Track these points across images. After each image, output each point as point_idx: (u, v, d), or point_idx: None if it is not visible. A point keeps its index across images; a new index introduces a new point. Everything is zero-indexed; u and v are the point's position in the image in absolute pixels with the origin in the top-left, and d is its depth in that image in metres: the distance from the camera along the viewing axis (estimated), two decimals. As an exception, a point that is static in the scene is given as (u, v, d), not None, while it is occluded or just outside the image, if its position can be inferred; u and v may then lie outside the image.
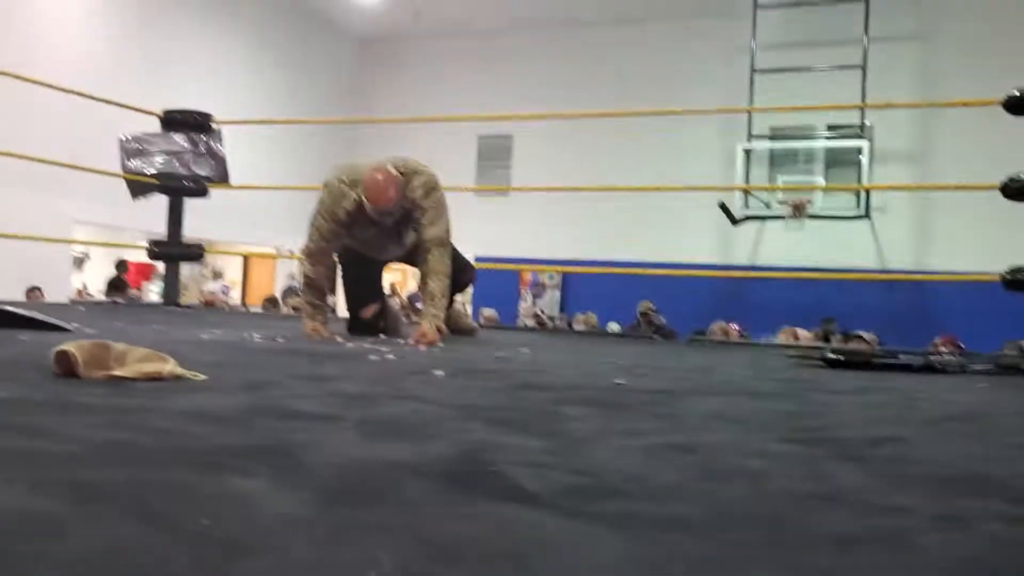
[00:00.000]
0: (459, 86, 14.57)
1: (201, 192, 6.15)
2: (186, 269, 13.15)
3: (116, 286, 11.98)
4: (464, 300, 9.06)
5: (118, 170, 6.03)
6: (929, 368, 3.31)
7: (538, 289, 14.41)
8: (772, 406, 2.01)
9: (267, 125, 12.62)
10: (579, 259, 12.74)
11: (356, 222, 3.74)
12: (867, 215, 11.73)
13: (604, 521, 0.84)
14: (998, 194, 4.60)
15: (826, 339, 8.97)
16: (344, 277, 4.15)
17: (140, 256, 11.26)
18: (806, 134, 12.58)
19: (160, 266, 9.04)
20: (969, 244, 11.24)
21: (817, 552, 0.78)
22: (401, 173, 3.68)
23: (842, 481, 1.11)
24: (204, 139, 6.17)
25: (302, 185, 9.97)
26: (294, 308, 8.95)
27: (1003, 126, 6.35)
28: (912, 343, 6.38)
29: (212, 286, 14.46)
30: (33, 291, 9.19)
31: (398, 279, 15.02)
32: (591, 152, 13.54)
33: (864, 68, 11.64)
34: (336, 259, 4.07)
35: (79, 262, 14.27)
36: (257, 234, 13.16)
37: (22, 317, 3.07)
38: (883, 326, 9.28)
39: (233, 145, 6.56)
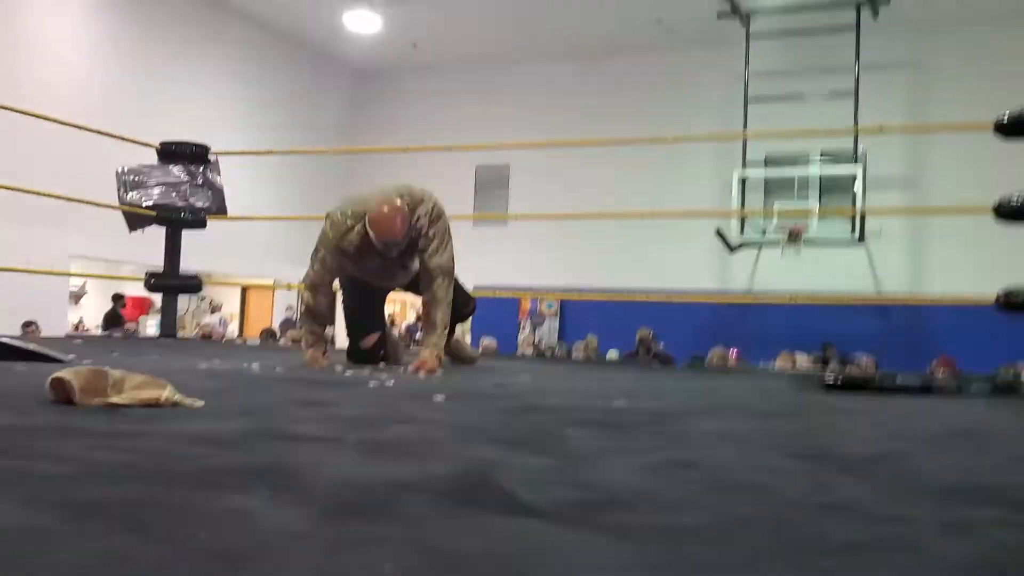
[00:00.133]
0: (457, 117, 14.63)
1: (199, 224, 6.14)
2: (184, 302, 13.14)
3: (113, 320, 11.96)
4: (463, 330, 9.05)
5: (115, 203, 6.03)
6: (926, 390, 3.31)
7: (537, 319, 14.40)
8: (774, 425, 2.00)
9: (265, 156, 12.66)
10: (577, 287, 12.74)
11: (361, 253, 3.70)
12: (862, 241, 11.75)
13: (610, 531, 0.83)
14: (991, 216, 4.61)
15: (824, 364, 8.97)
16: (345, 306, 4.11)
17: (137, 290, 11.26)
18: (801, 160, 12.63)
19: (157, 299, 9.02)
20: (964, 267, 11.24)
21: (827, 557, 0.77)
22: (406, 203, 3.64)
23: (847, 493, 1.10)
24: (201, 170, 6.17)
25: (300, 215, 9.98)
26: (292, 340, 8.94)
27: (995, 150, 6.38)
28: (909, 366, 6.37)
29: (210, 319, 14.44)
30: (29, 325, 9.16)
31: (396, 310, 15.00)
32: (588, 181, 13.57)
33: (856, 95, 11.71)
34: (338, 286, 4.05)
35: (76, 297, 14.25)
36: (255, 266, 13.16)
37: (19, 349, 3.06)
38: (880, 350, 9.27)
39: (231, 176, 6.57)
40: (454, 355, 4.18)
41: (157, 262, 6.19)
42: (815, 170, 12.47)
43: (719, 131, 12.54)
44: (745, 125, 12.06)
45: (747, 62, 12.37)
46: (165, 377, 1.96)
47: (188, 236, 6.17)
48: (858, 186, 11.47)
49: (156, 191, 5.97)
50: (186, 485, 0.99)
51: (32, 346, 3.14)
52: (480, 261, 12.05)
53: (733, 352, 8.85)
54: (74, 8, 11.21)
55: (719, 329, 11.71)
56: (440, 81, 15.30)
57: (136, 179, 5.99)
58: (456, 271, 3.85)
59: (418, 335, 10.81)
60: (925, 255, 12.40)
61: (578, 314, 13.83)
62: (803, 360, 8.63)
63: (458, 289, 3.89)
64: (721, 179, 12.55)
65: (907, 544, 0.83)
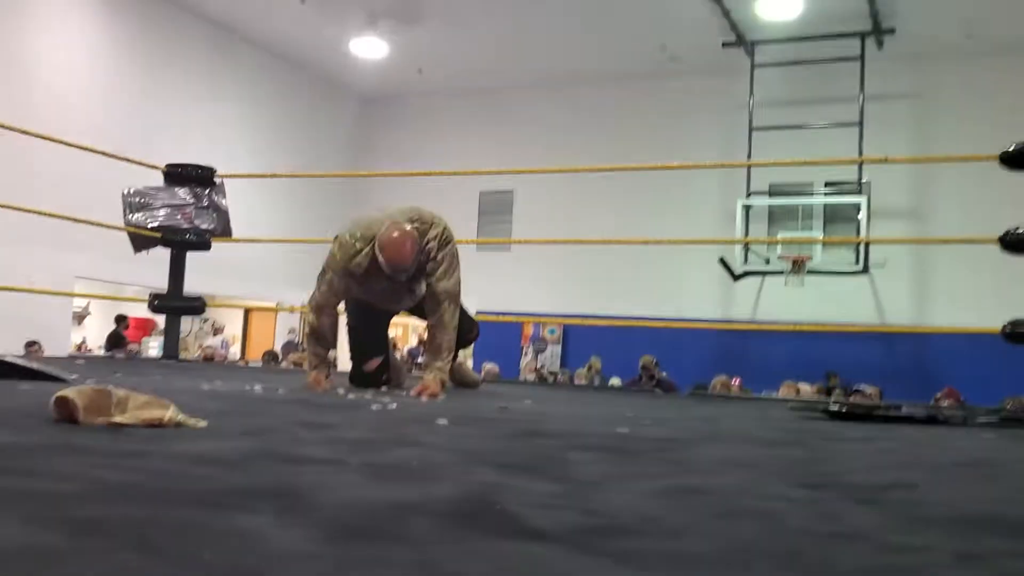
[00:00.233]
0: (461, 142, 14.69)
1: (203, 246, 6.15)
2: (186, 324, 13.15)
3: (116, 341, 11.96)
4: (466, 355, 9.03)
5: (120, 224, 6.04)
6: (932, 420, 3.29)
7: (540, 344, 14.37)
8: (780, 453, 1.99)
9: (270, 180, 12.70)
10: (580, 313, 12.73)
11: (369, 276, 3.68)
12: (866, 271, 11.75)
13: (616, 556, 0.82)
14: (996, 247, 4.60)
15: (828, 393, 8.93)
16: (350, 328, 4.08)
17: (140, 311, 11.25)
18: (804, 191, 12.67)
19: (160, 321, 9.02)
20: (968, 298, 11.23)
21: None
22: (416, 227, 3.62)
23: (858, 521, 1.09)
24: (207, 192, 6.18)
25: (304, 239, 10.00)
26: (294, 363, 8.92)
27: (999, 181, 6.39)
28: (914, 397, 6.35)
29: (212, 341, 14.43)
30: (32, 345, 9.16)
31: (399, 334, 14.99)
32: (592, 208, 13.60)
33: (861, 125, 11.75)
34: (343, 308, 4.03)
35: (79, 318, 14.25)
36: (258, 288, 13.17)
37: (22, 368, 3.06)
38: (885, 381, 9.23)
39: (236, 199, 6.59)
40: (457, 380, 4.16)
41: (160, 283, 6.19)
42: (819, 199, 12.50)
43: (723, 160, 12.58)
44: (749, 154, 12.09)
45: (751, 91, 12.43)
46: (168, 398, 1.95)
47: (192, 257, 6.17)
48: (862, 216, 11.49)
49: (161, 213, 5.98)
50: (190, 504, 0.98)
51: (35, 365, 3.14)
52: (483, 286, 12.06)
53: (736, 381, 8.82)
54: (83, 30, 11.29)
55: (722, 357, 11.68)
56: (445, 107, 15.38)
57: (142, 201, 6.00)
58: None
59: (420, 359, 10.80)
60: (930, 285, 12.38)
61: (581, 340, 13.81)
62: (807, 390, 8.59)
63: (462, 314, 3.88)
64: (725, 207, 12.57)
65: (918, 573, 0.82)
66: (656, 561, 0.81)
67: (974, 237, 7.54)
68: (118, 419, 1.77)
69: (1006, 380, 7.64)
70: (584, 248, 12.86)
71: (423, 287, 3.80)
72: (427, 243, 3.65)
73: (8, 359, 3.12)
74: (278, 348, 12.71)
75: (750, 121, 12.34)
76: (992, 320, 4.70)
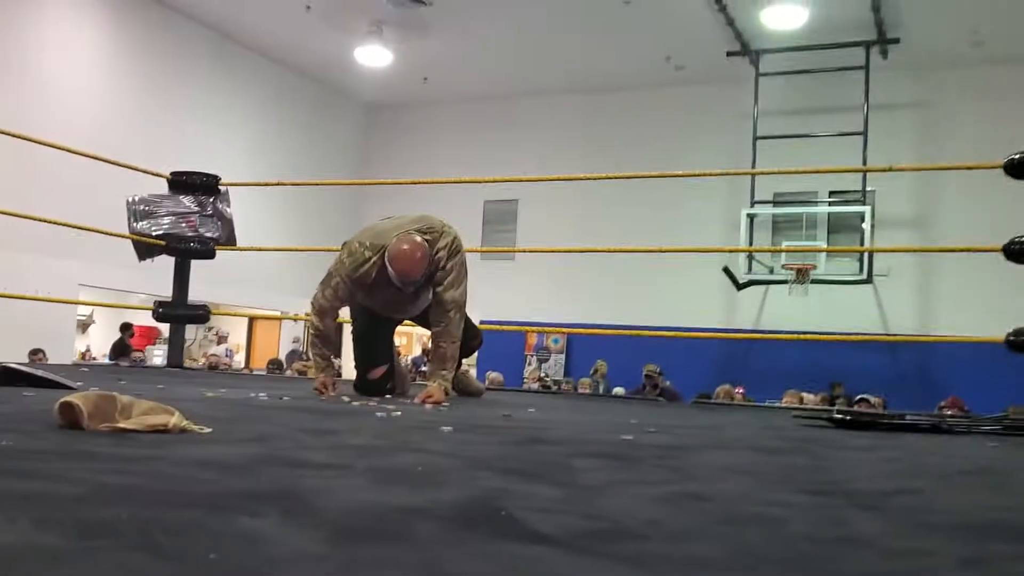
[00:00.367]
0: (466, 151, 14.71)
1: (208, 254, 6.16)
2: (191, 332, 13.15)
3: (120, 349, 11.98)
4: (470, 363, 9.03)
5: (125, 232, 6.05)
6: (936, 428, 3.28)
7: (543, 353, 14.37)
8: (784, 460, 1.99)
9: (275, 188, 12.73)
10: (584, 322, 12.73)
11: (376, 285, 3.68)
12: (870, 280, 11.74)
13: (621, 560, 0.82)
14: (1000, 256, 4.60)
15: (832, 403, 8.92)
16: (355, 335, 4.08)
17: (145, 319, 11.27)
18: (809, 200, 12.67)
19: (165, 329, 9.03)
20: (972, 307, 11.20)
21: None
22: (425, 237, 3.61)
23: (862, 527, 1.09)
24: (211, 201, 6.19)
25: (309, 247, 10.01)
26: (299, 372, 8.93)
27: (1003, 190, 6.39)
28: (918, 406, 6.32)
29: (216, 349, 14.44)
30: (36, 353, 9.17)
31: (403, 342, 14.99)
32: (596, 217, 13.61)
33: (865, 135, 11.74)
34: (347, 315, 4.04)
35: (84, 326, 14.27)
36: (262, 297, 13.19)
37: (27, 375, 3.06)
38: (888, 390, 9.22)
39: (240, 207, 6.60)
40: (461, 388, 4.16)
41: (165, 291, 6.20)
42: (823, 209, 12.50)
43: (728, 168, 12.58)
44: (754, 163, 12.09)
45: (756, 100, 12.44)
46: (173, 404, 1.96)
47: (196, 266, 6.18)
48: (866, 225, 11.48)
49: (166, 221, 5.99)
50: (195, 507, 0.99)
51: (40, 372, 3.14)
52: (487, 296, 12.07)
53: (740, 390, 8.81)
54: (88, 38, 11.34)
55: (726, 366, 11.68)
56: (450, 115, 15.41)
57: (146, 209, 6.01)
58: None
59: (424, 367, 10.81)
60: (934, 295, 12.37)
61: (585, 349, 13.80)
62: (811, 399, 8.58)
63: (466, 323, 3.88)
64: (729, 216, 12.58)
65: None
66: (659, 564, 0.82)
67: (978, 246, 7.53)
68: (123, 425, 1.77)
69: (1010, 389, 7.62)
70: (588, 257, 12.87)
71: (429, 296, 3.80)
72: (437, 253, 3.65)
73: (12, 366, 3.13)
74: (283, 357, 12.72)
75: (754, 130, 12.35)
76: (996, 329, 4.70)
